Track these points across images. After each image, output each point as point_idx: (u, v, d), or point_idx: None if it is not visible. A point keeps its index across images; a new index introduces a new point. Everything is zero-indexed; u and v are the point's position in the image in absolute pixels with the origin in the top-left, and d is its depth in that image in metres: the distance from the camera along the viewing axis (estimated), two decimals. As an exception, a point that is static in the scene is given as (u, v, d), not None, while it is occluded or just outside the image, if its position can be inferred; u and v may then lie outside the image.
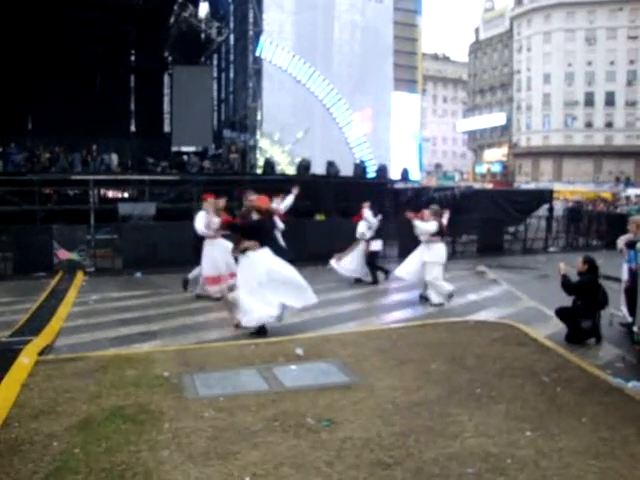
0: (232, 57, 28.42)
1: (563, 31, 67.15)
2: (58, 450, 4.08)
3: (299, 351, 6.50)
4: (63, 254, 13.83)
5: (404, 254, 11.69)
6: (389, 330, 7.94)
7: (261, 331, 7.56)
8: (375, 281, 12.15)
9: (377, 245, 12.25)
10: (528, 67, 70.42)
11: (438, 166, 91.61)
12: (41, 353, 6.55)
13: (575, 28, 66.65)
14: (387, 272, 12.30)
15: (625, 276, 8.11)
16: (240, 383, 5.56)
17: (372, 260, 12.29)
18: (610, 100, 65.78)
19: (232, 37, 27.80)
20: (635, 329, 6.88)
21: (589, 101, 66.42)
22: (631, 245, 7.35)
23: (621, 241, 8.11)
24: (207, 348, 6.95)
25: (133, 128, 33.10)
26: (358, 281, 12.23)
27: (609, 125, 66.26)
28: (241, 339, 7.39)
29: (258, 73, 24.60)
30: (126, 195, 24.03)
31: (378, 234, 12.20)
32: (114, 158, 22.53)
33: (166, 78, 32.94)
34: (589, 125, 66.96)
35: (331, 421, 4.61)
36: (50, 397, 5.11)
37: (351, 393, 5.28)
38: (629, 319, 7.71)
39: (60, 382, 5.51)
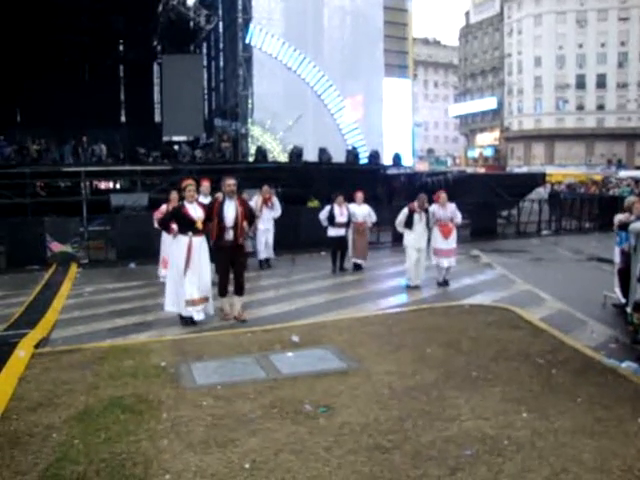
0: (222, 45, 28.28)
1: (554, 13, 66.93)
2: (57, 441, 4.08)
3: (295, 338, 6.52)
4: (56, 246, 13.77)
5: (398, 240, 11.65)
6: (384, 315, 7.97)
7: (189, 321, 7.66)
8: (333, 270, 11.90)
9: (331, 232, 11.90)
10: (519, 50, 70.20)
11: (430, 151, 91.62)
12: (37, 346, 6.53)
13: (566, 10, 66.45)
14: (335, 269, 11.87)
15: (617, 258, 8.17)
16: (237, 371, 5.58)
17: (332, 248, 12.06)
18: (601, 82, 65.76)
19: (221, 25, 27.66)
20: (628, 310, 6.95)
21: (580, 84, 66.37)
22: (623, 227, 7.37)
23: (618, 220, 8.12)
24: (203, 337, 6.95)
25: (123, 118, 32.96)
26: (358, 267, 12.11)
27: (601, 107, 66.27)
28: (237, 328, 7.41)
29: (248, 61, 24.50)
30: (118, 186, 23.96)
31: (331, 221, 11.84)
32: (104, 149, 22.46)
33: (156, 67, 32.76)
34: (581, 108, 66.97)
35: (329, 407, 4.63)
36: (48, 389, 5.11)
37: (348, 379, 5.31)
38: (622, 300, 7.78)
39: (57, 374, 5.51)
